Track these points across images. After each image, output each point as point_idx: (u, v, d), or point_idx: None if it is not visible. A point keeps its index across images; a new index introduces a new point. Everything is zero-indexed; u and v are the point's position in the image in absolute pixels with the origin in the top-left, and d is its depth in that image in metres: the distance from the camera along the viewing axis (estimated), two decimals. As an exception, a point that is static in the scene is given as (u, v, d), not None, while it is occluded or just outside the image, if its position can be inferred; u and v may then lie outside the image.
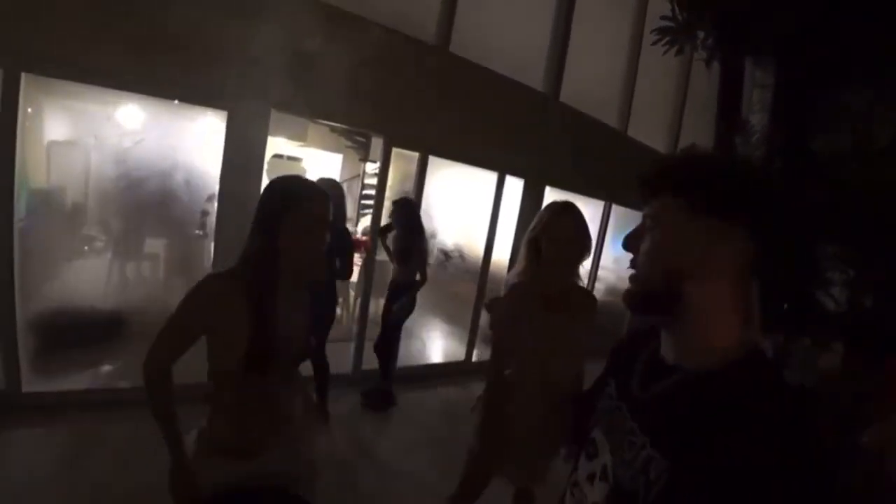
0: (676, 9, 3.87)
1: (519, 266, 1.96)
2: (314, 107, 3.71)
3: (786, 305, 3.47)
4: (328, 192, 1.40)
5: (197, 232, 4.12)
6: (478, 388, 4.35)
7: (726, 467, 0.63)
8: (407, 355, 4.77)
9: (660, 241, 0.77)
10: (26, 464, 2.54)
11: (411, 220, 3.93)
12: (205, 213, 4.06)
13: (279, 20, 3.34)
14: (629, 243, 0.83)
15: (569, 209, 1.86)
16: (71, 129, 4.16)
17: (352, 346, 4.36)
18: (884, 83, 3.15)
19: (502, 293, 2.03)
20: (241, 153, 3.41)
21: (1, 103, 2.72)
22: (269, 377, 1.29)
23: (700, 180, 0.74)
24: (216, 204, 3.46)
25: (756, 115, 4.19)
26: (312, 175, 7.97)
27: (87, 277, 4.17)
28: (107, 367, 3.63)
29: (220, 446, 1.32)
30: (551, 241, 1.82)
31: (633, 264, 0.82)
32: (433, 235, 5.92)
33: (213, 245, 3.55)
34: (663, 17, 3.99)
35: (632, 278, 0.81)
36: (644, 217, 0.81)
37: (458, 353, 5.19)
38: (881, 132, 3.08)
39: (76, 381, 3.39)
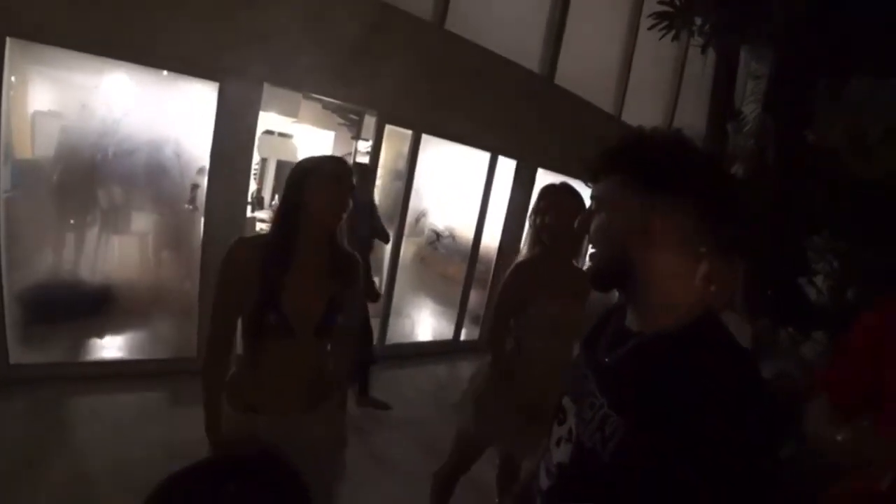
0: (675, -7, 3.85)
1: (524, 247, 2.01)
2: (308, 81, 3.66)
3: (770, 293, 3.53)
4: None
5: (186, 206, 4.07)
6: (466, 366, 4.44)
7: (673, 422, 0.67)
8: (397, 333, 4.81)
9: (605, 219, 0.82)
10: (13, 436, 2.54)
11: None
12: (195, 187, 4.01)
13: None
14: (580, 225, 0.88)
15: (567, 187, 1.93)
16: (57, 99, 4.06)
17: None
18: (878, 76, 3.16)
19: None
20: (232, 126, 3.36)
21: (-14, 70, 2.65)
22: (285, 342, 1.37)
23: (635, 156, 0.79)
24: (206, 177, 3.41)
25: (749, 105, 4.21)
26: (303, 152, 7.92)
27: (75, 250, 4.13)
28: (94, 340, 3.62)
29: (239, 400, 1.41)
30: (556, 213, 1.87)
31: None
32: (423, 214, 5.92)
33: (203, 219, 3.51)
34: (661, 2, 3.97)
35: (590, 257, 0.87)
36: (591, 199, 0.86)
37: (447, 332, 5.24)
38: (875, 126, 3.10)
39: (63, 354, 3.38)
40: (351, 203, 1.45)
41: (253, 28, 3.26)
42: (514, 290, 1.92)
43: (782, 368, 3.79)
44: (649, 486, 0.69)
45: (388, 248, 4.57)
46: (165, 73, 3.38)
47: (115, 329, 3.76)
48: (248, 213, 4.95)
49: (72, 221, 4.41)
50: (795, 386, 3.59)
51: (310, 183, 1.38)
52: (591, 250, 0.87)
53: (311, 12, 3.44)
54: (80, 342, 3.55)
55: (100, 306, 3.80)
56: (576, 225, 0.90)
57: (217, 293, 1.39)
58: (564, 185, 1.95)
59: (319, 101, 6.29)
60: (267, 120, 6.00)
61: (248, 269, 1.34)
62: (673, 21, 3.92)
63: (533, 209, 1.98)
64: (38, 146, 3.97)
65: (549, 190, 1.97)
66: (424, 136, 4.38)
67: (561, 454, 0.89)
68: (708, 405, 0.66)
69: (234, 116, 3.35)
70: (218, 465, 1.31)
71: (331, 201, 1.40)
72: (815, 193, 3.25)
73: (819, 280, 3.77)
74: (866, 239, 3.22)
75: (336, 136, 7.92)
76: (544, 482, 0.92)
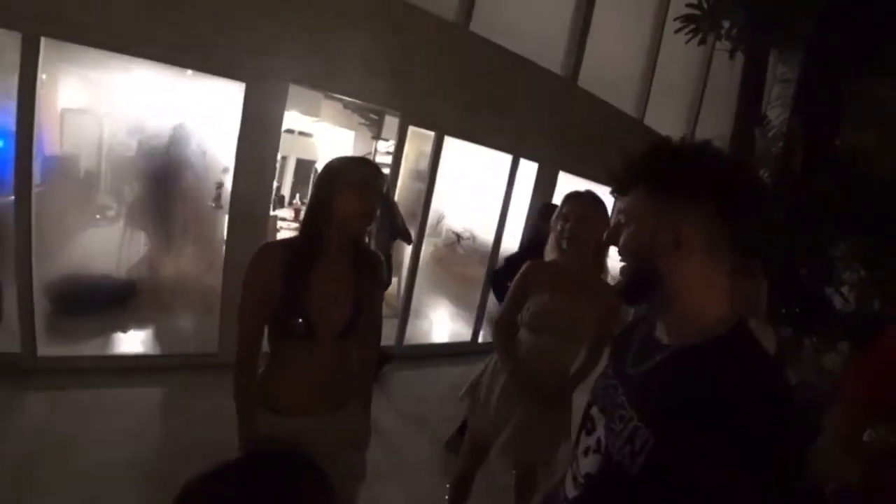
0: (703, -3, 3.80)
1: (547, 249, 2.02)
2: (332, 82, 3.68)
3: (795, 301, 3.47)
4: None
5: (211, 204, 4.13)
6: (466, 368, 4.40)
7: (702, 436, 0.67)
8: (415, 334, 4.82)
9: (633, 231, 0.82)
10: (40, 425, 2.61)
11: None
12: (219, 185, 4.07)
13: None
14: (609, 237, 0.88)
15: (591, 196, 1.94)
16: (85, 96, 4.16)
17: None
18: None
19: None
20: (257, 126, 3.39)
21: (20, 68, 2.71)
22: (310, 345, 1.38)
23: (661, 167, 0.79)
24: (231, 176, 3.45)
25: (775, 109, 4.15)
26: (324, 150, 8.00)
27: (101, 245, 4.22)
28: (119, 334, 3.68)
29: (265, 400, 1.42)
30: (575, 219, 1.88)
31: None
32: (443, 216, 5.93)
33: (227, 217, 3.56)
34: (689, 5, 3.93)
35: (620, 271, 0.86)
36: (618, 213, 0.85)
37: (464, 334, 5.23)
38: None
39: (89, 347, 3.45)
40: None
41: (279, 28, 3.29)
42: (522, 285, 1.95)
43: (804, 378, 3.74)
44: (677, 501, 0.69)
45: (409, 249, 4.58)
46: (190, 72, 3.42)
47: (138, 322, 3.82)
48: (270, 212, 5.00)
49: (98, 217, 4.53)
50: (816, 395, 3.54)
51: (339, 188, 1.38)
52: (620, 264, 0.87)
53: (336, 13, 3.47)
54: (104, 335, 3.62)
55: (124, 301, 3.88)
56: (604, 237, 0.90)
57: (244, 295, 1.39)
58: (589, 193, 1.95)
59: (340, 100, 6.34)
60: (288, 119, 6.06)
61: (274, 272, 1.35)
62: (700, 24, 3.88)
63: (556, 215, 1.98)
64: (67, 142, 4.07)
65: (572, 197, 1.97)
66: (446, 138, 4.37)
67: (589, 464, 0.88)
68: (739, 419, 0.66)
69: (260, 116, 3.38)
70: (248, 464, 1.33)
71: (359, 208, 1.40)
72: (843, 198, 3.19)
73: (845, 289, 3.70)
74: (888, 246, 3.16)
75: (356, 136, 7.96)
76: (570, 491, 0.92)
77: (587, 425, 0.94)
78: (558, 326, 1.88)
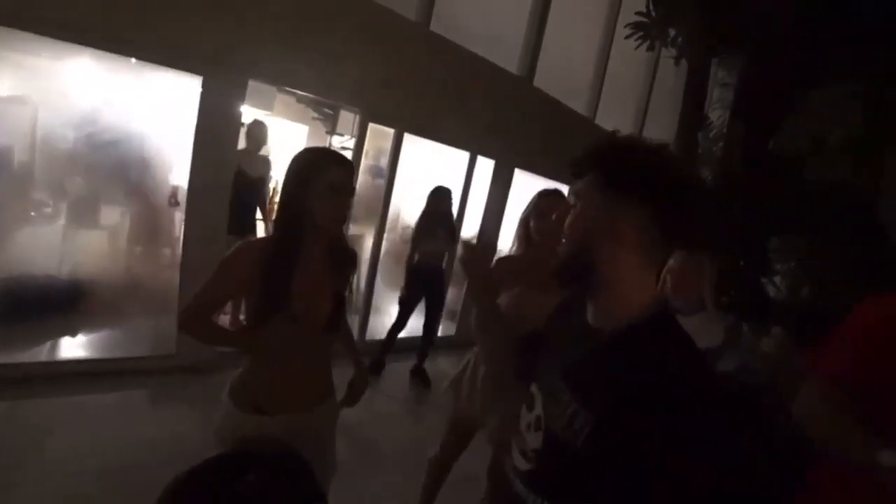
0: (651, 6, 4.02)
1: (511, 245, 2.08)
2: (292, 78, 3.63)
3: (734, 291, 3.75)
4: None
5: (170, 201, 3.98)
6: (443, 361, 4.48)
7: (633, 417, 0.74)
8: (376, 330, 4.83)
9: (577, 213, 0.87)
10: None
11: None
12: (176, 188, 3.94)
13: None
14: (558, 219, 0.94)
15: (558, 192, 2.03)
16: (16, 83, 3.89)
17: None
18: (839, 87, 3.39)
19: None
20: (215, 121, 3.30)
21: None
22: (296, 340, 1.39)
23: (606, 158, 0.85)
24: (188, 174, 3.34)
25: (716, 111, 4.44)
26: (276, 145, 7.79)
27: (38, 244, 3.97)
28: (67, 338, 3.50)
29: (247, 400, 1.41)
30: (539, 218, 1.96)
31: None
32: (398, 212, 5.94)
33: (183, 215, 3.45)
34: (638, 13, 4.14)
35: (559, 251, 0.91)
36: (570, 194, 0.91)
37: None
38: (833, 134, 3.34)
39: (35, 353, 3.25)
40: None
41: (239, 23, 3.22)
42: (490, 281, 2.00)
43: (744, 361, 4.04)
44: (622, 474, 0.76)
45: (368, 245, 4.59)
46: (134, 61, 3.26)
47: (90, 326, 3.64)
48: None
49: (33, 214, 4.25)
50: (756, 378, 3.84)
51: (318, 189, 1.37)
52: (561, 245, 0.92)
53: (297, 8, 3.42)
54: (50, 341, 3.42)
55: (72, 303, 3.68)
56: (553, 217, 0.95)
57: (216, 278, 1.38)
58: (557, 192, 2.05)
59: (293, 94, 6.20)
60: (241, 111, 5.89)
61: (252, 272, 1.34)
62: (648, 32, 4.10)
63: (527, 211, 2.06)
64: (-2, 133, 3.80)
65: (541, 195, 2.05)
66: (406, 135, 4.40)
67: (534, 441, 0.93)
68: (661, 399, 0.72)
69: (217, 111, 3.30)
70: (236, 458, 1.34)
71: (340, 210, 1.41)
72: (776, 197, 3.46)
73: (777, 279, 4.03)
74: (823, 240, 3.47)
75: (310, 131, 7.81)
76: (521, 463, 0.97)
77: (528, 402, 0.99)
78: (532, 320, 1.95)
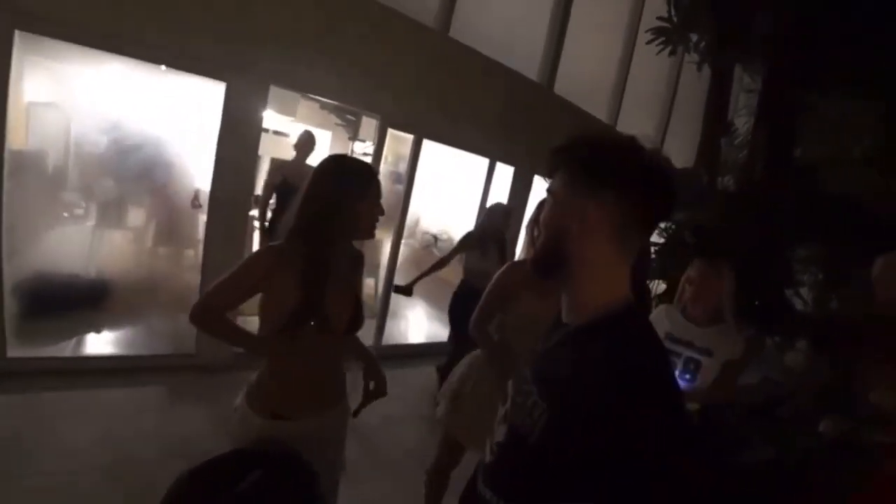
0: (673, 10, 3.97)
1: (523, 250, 2.07)
2: (314, 84, 3.69)
3: (756, 303, 3.65)
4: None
5: (193, 204, 4.09)
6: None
7: (581, 409, 0.74)
8: (392, 335, 4.86)
9: (549, 207, 0.87)
10: (9, 429, 2.53)
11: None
12: (197, 191, 4.04)
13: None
14: (535, 213, 0.93)
15: None
16: (52, 90, 4.04)
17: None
18: (862, 96, 3.30)
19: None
20: (237, 126, 3.38)
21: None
22: (317, 344, 1.40)
23: (575, 154, 0.85)
24: (211, 177, 3.42)
25: (741, 118, 4.35)
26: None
27: (69, 244, 4.11)
28: (92, 335, 3.61)
29: (264, 405, 1.41)
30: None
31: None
32: (419, 218, 5.99)
33: (205, 217, 3.53)
34: (659, 18, 4.09)
35: (536, 244, 0.93)
36: (545, 191, 0.91)
37: (440, 334, 5.29)
38: (857, 142, 3.25)
39: (61, 348, 3.37)
40: None
41: (261, 30, 3.30)
42: (503, 286, 1.97)
43: (767, 375, 3.94)
44: (572, 471, 0.75)
45: (387, 250, 4.62)
46: (164, 68, 3.37)
47: (114, 324, 3.75)
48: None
49: (65, 215, 4.41)
50: (778, 391, 3.73)
51: (359, 198, 1.40)
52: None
53: (317, 15, 3.48)
54: (75, 336, 3.53)
55: (98, 301, 3.80)
56: (532, 216, 0.95)
57: (237, 275, 1.37)
58: None
59: (317, 100, 6.31)
60: (265, 118, 6.01)
61: (277, 275, 1.35)
62: (670, 37, 4.05)
63: (532, 218, 2.05)
64: (33, 137, 3.95)
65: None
66: (425, 141, 4.43)
67: (499, 434, 0.94)
68: (610, 394, 0.72)
69: (240, 116, 3.37)
70: (240, 457, 1.36)
71: (376, 217, 1.46)
72: (799, 207, 3.38)
73: (804, 291, 3.91)
74: (848, 252, 3.36)
75: (333, 136, 7.93)
76: (487, 458, 0.97)
77: (504, 398, 0.99)
78: (543, 330, 1.93)
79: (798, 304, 3.88)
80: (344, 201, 1.39)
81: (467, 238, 3.91)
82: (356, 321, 1.51)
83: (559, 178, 0.86)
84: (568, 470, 0.76)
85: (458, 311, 3.83)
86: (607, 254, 0.82)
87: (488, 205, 5.12)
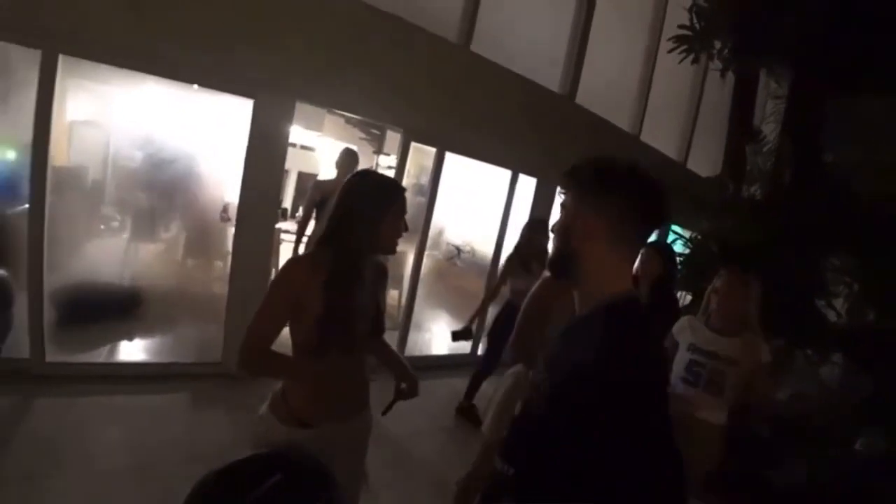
0: (694, 18, 3.94)
1: None
2: (339, 100, 3.79)
3: (789, 314, 3.54)
4: None
5: (222, 217, 4.21)
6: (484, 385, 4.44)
7: (575, 385, 0.87)
8: (415, 346, 4.88)
9: (562, 217, 1.04)
10: (45, 430, 2.65)
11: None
12: (227, 205, 4.17)
13: (305, 12, 3.43)
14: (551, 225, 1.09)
15: None
16: (92, 109, 4.25)
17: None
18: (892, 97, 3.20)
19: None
20: (264, 141, 3.49)
21: (38, 84, 2.82)
22: (343, 353, 1.43)
23: (585, 175, 1.01)
24: (239, 190, 3.53)
25: (770, 125, 4.27)
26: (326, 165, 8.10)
27: (105, 255, 4.29)
28: (125, 342, 3.75)
29: (289, 413, 1.44)
30: None
31: None
32: (443, 230, 6.02)
33: (232, 230, 3.64)
34: (681, 26, 4.07)
35: (552, 249, 1.08)
36: (562, 200, 1.07)
37: (463, 346, 5.28)
38: (890, 147, 3.14)
39: (95, 355, 3.52)
40: None
41: (288, 48, 3.41)
42: (539, 302, 1.98)
43: (800, 389, 3.80)
44: (565, 434, 0.85)
45: (410, 262, 4.67)
46: (196, 87, 3.53)
47: (145, 332, 3.88)
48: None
49: (102, 227, 4.60)
50: (812, 406, 3.60)
51: (388, 212, 1.45)
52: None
53: (342, 33, 3.59)
54: (111, 343, 3.69)
55: (131, 310, 3.94)
56: (550, 225, 1.07)
57: (269, 300, 1.41)
58: None
59: (342, 115, 6.46)
60: (291, 133, 6.17)
61: (308, 288, 1.37)
62: (692, 44, 4.01)
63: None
64: (74, 154, 4.15)
65: None
66: (447, 153, 4.48)
67: (518, 410, 1.09)
68: (595, 365, 0.86)
69: (267, 131, 3.49)
70: (263, 459, 1.39)
71: (401, 231, 1.51)
72: (830, 214, 3.27)
73: (839, 303, 3.78)
74: (880, 260, 3.23)
75: (358, 150, 8.08)
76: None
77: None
78: None
79: (832, 316, 3.75)
80: (368, 216, 1.43)
81: (510, 262, 3.87)
82: (375, 330, 1.55)
83: (571, 193, 1.03)
84: (562, 436, 0.86)
85: (502, 332, 3.70)
86: (609, 254, 0.97)
87: (510, 217, 5.17)
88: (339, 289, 1.38)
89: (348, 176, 1.52)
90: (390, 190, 1.50)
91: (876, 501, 2.91)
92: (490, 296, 4.00)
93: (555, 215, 1.05)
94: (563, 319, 1.85)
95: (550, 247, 1.08)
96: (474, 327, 4.08)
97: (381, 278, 1.65)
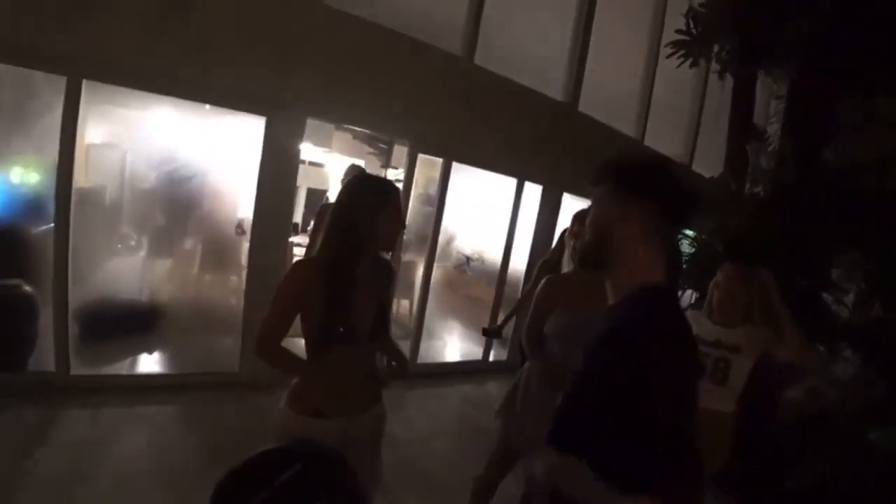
0: (691, 23, 4.02)
1: (564, 261, 2.16)
2: (348, 114, 3.91)
3: (797, 311, 3.54)
4: None
5: (237, 231, 4.34)
6: (495, 385, 4.50)
7: (603, 360, 0.97)
8: (428, 354, 4.93)
9: (595, 214, 1.10)
10: (73, 439, 2.75)
11: None
12: (241, 220, 4.29)
13: (312, 31, 3.57)
14: (579, 215, 1.24)
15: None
16: (108, 132, 4.42)
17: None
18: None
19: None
20: (277, 158, 3.61)
21: (63, 109, 2.96)
22: (351, 349, 1.52)
23: (617, 170, 1.08)
24: (253, 206, 3.64)
25: (773, 125, 4.31)
26: (335, 180, 8.22)
27: (122, 273, 4.43)
28: (144, 355, 3.87)
29: (305, 405, 1.52)
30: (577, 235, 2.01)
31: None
32: (453, 239, 6.09)
33: (247, 244, 3.75)
34: (678, 31, 4.15)
35: (581, 242, 1.13)
36: (592, 198, 1.13)
37: (474, 354, 5.34)
38: (892, 141, 3.16)
39: (116, 368, 3.63)
40: None
41: (298, 68, 3.55)
42: (545, 301, 2.04)
43: (813, 386, 3.78)
44: (603, 406, 0.94)
45: (420, 271, 4.75)
46: (208, 107, 3.67)
47: (165, 345, 4.00)
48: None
49: (119, 246, 4.75)
50: (826, 402, 3.58)
51: (382, 210, 1.52)
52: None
53: (349, 50, 3.72)
54: (132, 356, 3.80)
55: (150, 324, 4.06)
56: (575, 216, 1.12)
57: (277, 303, 1.49)
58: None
59: (350, 131, 6.60)
60: (302, 149, 6.31)
61: (311, 287, 1.46)
62: (691, 49, 4.09)
63: (567, 232, 2.14)
64: (92, 175, 4.31)
65: (581, 214, 2.11)
66: (454, 164, 4.58)
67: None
68: (627, 345, 0.93)
69: (279, 148, 3.60)
70: (284, 450, 1.46)
71: (398, 229, 1.59)
72: (833, 209, 3.30)
73: (849, 299, 3.78)
74: (886, 255, 3.24)
75: (366, 165, 8.21)
76: None
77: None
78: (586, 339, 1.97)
79: (844, 312, 3.74)
80: (363, 214, 1.51)
81: (544, 266, 3.92)
82: (379, 325, 1.62)
83: (602, 189, 1.08)
84: (592, 412, 0.96)
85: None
86: (642, 248, 1.03)
87: (518, 225, 5.23)
88: (339, 285, 1.47)
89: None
90: (382, 189, 1.58)
91: (890, 500, 2.89)
92: (524, 298, 4.04)
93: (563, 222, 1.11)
94: (565, 317, 1.93)
95: (584, 238, 1.12)
96: (507, 331, 4.14)
97: (387, 277, 1.72)
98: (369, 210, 1.51)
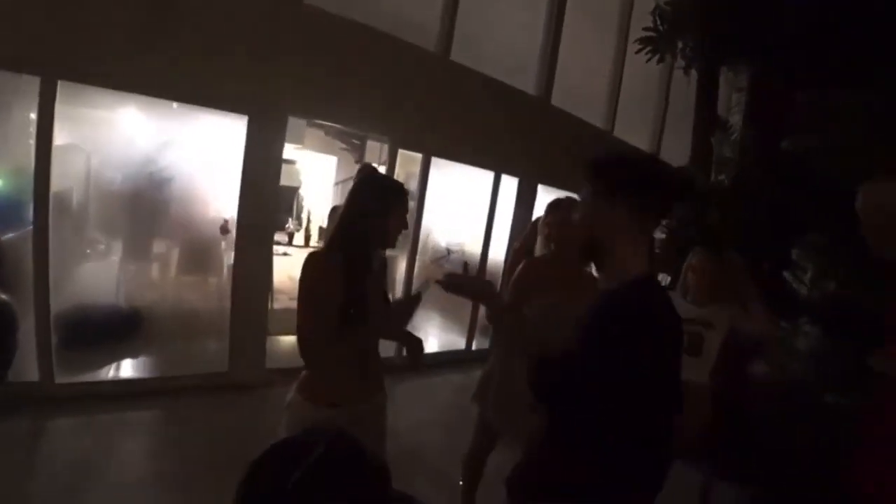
0: (658, 21, 4.21)
1: (537, 251, 2.27)
2: (329, 113, 3.93)
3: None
4: None
5: (222, 229, 4.29)
6: (478, 375, 4.61)
7: (593, 339, 1.07)
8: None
9: (583, 212, 1.20)
10: (71, 449, 2.71)
11: None
12: (226, 221, 4.25)
13: (291, 29, 3.58)
14: (554, 204, 1.36)
15: (571, 201, 2.19)
16: (71, 133, 4.27)
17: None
18: (853, 86, 3.45)
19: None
20: (259, 157, 3.61)
21: (38, 110, 2.88)
22: (359, 339, 1.58)
23: (597, 170, 1.17)
24: (238, 205, 3.63)
25: (735, 116, 4.55)
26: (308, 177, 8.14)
27: (94, 279, 4.30)
28: (128, 360, 3.81)
29: (316, 395, 1.57)
30: (559, 224, 2.14)
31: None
32: (430, 232, 6.17)
33: (234, 243, 3.73)
34: (646, 28, 4.33)
35: (555, 234, 1.32)
36: (580, 195, 1.23)
37: (456, 344, 5.47)
38: (848, 131, 3.39)
39: (100, 374, 3.56)
40: None
41: (279, 67, 3.55)
42: (521, 285, 2.15)
43: (780, 362, 4.04)
44: (596, 382, 1.03)
45: (403, 265, 4.81)
46: (175, 105, 3.61)
47: (149, 349, 3.94)
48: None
49: (88, 251, 4.61)
50: (789, 372, 3.82)
51: (394, 207, 1.61)
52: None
53: (328, 50, 3.73)
54: (115, 362, 3.74)
55: (131, 329, 3.99)
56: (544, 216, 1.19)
57: (311, 299, 1.51)
58: (568, 200, 2.21)
59: (322, 127, 6.58)
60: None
61: (331, 278, 1.51)
62: (657, 45, 4.28)
63: (542, 221, 2.24)
64: (56, 178, 4.16)
65: (555, 204, 2.23)
66: (433, 159, 4.66)
67: None
68: (618, 322, 1.04)
69: (262, 146, 3.61)
70: (307, 431, 1.52)
71: (404, 224, 1.67)
72: (793, 197, 3.54)
73: (808, 277, 4.05)
74: (843, 238, 3.50)
75: (339, 161, 8.19)
76: None
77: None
78: (561, 324, 2.08)
79: (803, 290, 4.01)
80: (375, 215, 1.59)
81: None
82: (383, 316, 1.69)
83: (591, 190, 1.16)
84: (584, 380, 1.05)
85: None
86: (628, 241, 1.13)
87: (496, 217, 5.34)
88: (356, 279, 1.54)
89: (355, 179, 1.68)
90: (395, 192, 1.66)
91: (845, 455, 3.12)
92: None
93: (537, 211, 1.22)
94: (542, 298, 2.03)
95: (577, 234, 1.22)
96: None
97: (384, 269, 1.84)
98: (381, 212, 1.59)
